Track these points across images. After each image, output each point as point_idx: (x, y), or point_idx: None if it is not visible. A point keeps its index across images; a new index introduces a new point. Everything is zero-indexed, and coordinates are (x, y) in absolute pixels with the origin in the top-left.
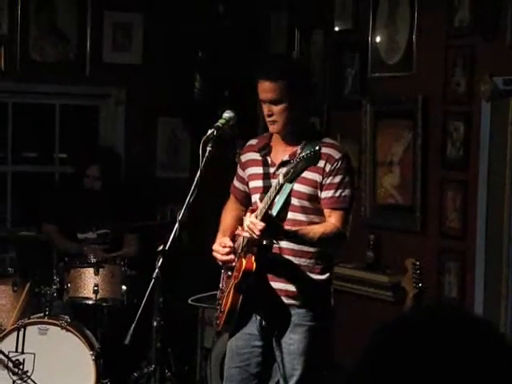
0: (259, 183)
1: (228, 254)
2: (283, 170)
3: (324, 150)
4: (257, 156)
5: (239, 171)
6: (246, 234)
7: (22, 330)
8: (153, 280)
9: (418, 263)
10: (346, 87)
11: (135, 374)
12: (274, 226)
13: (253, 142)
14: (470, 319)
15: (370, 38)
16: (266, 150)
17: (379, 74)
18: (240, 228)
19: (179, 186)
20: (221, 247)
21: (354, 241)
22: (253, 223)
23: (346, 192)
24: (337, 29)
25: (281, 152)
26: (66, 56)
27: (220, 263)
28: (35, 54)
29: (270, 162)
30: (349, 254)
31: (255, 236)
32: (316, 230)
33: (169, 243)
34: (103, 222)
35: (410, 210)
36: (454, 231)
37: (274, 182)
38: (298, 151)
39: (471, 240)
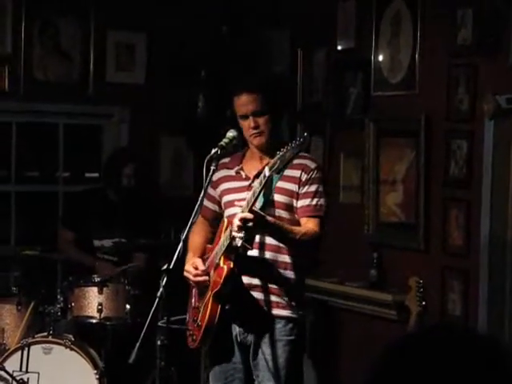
0: (233, 197)
1: (200, 275)
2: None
3: (299, 160)
4: (230, 172)
5: (210, 191)
6: (235, 234)
7: (26, 349)
8: (157, 299)
9: (421, 281)
10: (348, 106)
11: None
12: (259, 218)
13: (225, 160)
14: (477, 338)
15: (372, 57)
16: (239, 166)
17: (382, 93)
18: (223, 232)
19: (183, 205)
20: (193, 268)
21: (357, 259)
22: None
23: (322, 201)
24: (339, 48)
25: (255, 166)
26: (69, 75)
27: (192, 284)
28: (39, 74)
29: (244, 176)
30: (352, 272)
31: (239, 229)
32: (298, 230)
33: (173, 262)
34: (121, 232)
35: (413, 228)
36: (458, 249)
37: (249, 193)
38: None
39: (475, 258)
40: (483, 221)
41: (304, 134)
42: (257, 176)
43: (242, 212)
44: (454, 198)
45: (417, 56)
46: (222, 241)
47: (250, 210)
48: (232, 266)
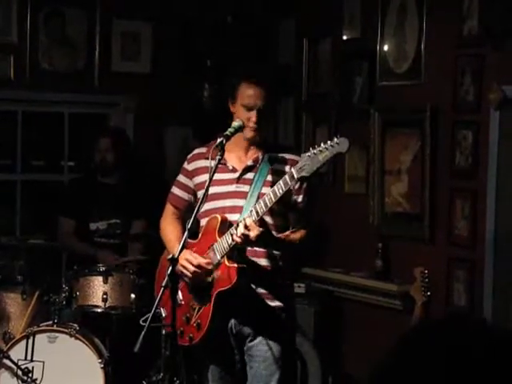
0: (218, 189)
1: (199, 265)
2: (248, 174)
3: (286, 155)
4: (209, 163)
5: (182, 180)
6: (240, 240)
7: (31, 337)
8: (162, 288)
9: (426, 272)
10: (354, 96)
11: (144, 382)
12: (266, 231)
13: (202, 149)
14: (488, 329)
15: (378, 47)
16: (221, 157)
17: (387, 83)
18: (217, 229)
19: None
20: (190, 261)
21: (363, 249)
22: (248, 230)
23: (310, 197)
24: (345, 37)
25: (239, 157)
26: (75, 64)
27: (189, 273)
28: (44, 63)
29: (230, 167)
30: (357, 262)
31: (251, 238)
32: (295, 237)
33: (178, 251)
34: (115, 213)
35: (419, 219)
36: (463, 240)
37: (238, 186)
38: (260, 156)
39: (480, 248)
40: (489, 211)
41: (338, 135)
42: (247, 169)
43: (248, 221)
44: (459, 189)
45: (422, 46)
46: (225, 240)
47: (259, 220)
48: (244, 265)
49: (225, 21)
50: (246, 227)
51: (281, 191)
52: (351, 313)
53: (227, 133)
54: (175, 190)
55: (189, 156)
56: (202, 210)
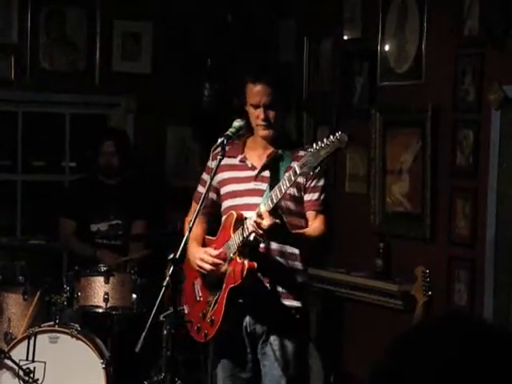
0: (237, 187)
1: (218, 264)
2: (266, 172)
3: (296, 152)
4: (232, 161)
5: (206, 177)
6: (252, 228)
7: (33, 338)
8: (163, 288)
9: (427, 271)
10: (354, 96)
11: (145, 383)
12: (280, 224)
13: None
14: (488, 328)
15: (379, 47)
16: (242, 155)
17: (388, 83)
18: (232, 226)
19: (189, 195)
20: (209, 256)
21: (364, 249)
22: (261, 218)
23: (326, 195)
24: (346, 37)
25: (258, 155)
26: (75, 65)
27: (206, 270)
28: (45, 63)
29: (249, 165)
30: (358, 262)
31: (260, 232)
32: (310, 234)
33: (179, 252)
34: (116, 214)
35: (420, 218)
36: (464, 239)
37: (256, 184)
38: (279, 153)
39: (481, 248)
40: (490, 211)
41: (339, 131)
42: (265, 167)
43: (263, 209)
44: (460, 188)
45: (423, 46)
46: (237, 236)
47: (273, 213)
48: (254, 263)
49: (225, 20)
50: (259, 215)
51: (285, 187)
52: (352, 312)
53: (228, 133)
54: (199, 188)
55: (212, 154)
56: (224, 207)
